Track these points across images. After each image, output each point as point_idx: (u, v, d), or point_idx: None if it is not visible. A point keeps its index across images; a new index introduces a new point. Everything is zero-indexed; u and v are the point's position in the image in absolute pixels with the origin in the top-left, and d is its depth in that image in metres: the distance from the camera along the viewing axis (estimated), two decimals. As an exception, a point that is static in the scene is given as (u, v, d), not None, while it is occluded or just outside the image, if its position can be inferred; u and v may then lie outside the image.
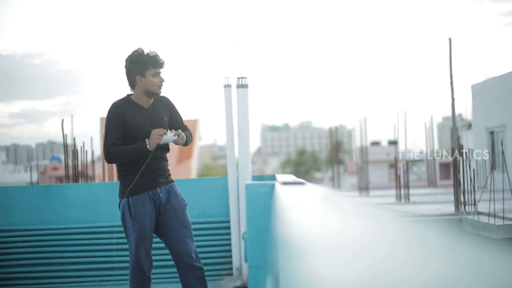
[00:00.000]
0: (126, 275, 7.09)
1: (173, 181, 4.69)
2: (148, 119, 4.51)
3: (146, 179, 4.48)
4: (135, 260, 4.51)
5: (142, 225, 4.47)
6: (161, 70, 4.55)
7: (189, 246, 4.63)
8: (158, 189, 4.53)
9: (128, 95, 4.60)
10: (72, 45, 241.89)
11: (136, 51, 4.50)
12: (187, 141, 4.65)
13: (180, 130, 4.54)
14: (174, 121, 4.71)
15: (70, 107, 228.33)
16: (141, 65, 4.46)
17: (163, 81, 4.55)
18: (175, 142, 4.51)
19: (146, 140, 4.39)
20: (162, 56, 4.55)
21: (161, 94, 4.65)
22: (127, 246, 7.18)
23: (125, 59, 4.55)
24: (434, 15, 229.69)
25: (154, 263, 7.04)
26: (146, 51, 4.49)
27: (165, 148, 4.60)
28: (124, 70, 4.55)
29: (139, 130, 4.46)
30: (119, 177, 4.59)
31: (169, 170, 4.69)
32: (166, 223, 4.59)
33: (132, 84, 4.54)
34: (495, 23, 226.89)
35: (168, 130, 4.52)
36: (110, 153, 4.41)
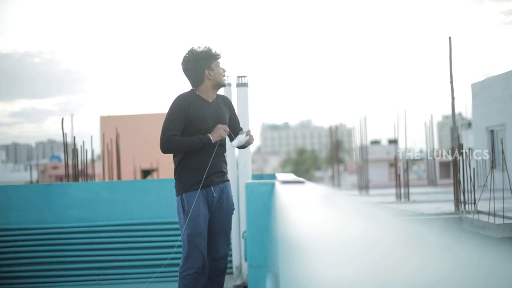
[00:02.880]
0: (126, 273, 7.12)
1: (228, 181, 4.72)
2: (212, 114, 4.58)
3: (201, 177, 4.49)
4: (188, 257, 4.45)
5: (195, 222, 4.45)
6: (219, 60, 4.67)
7: (219, 250, 4.64)
8: (212, 187, 4.55)
9: (193, 89, 4.66)
10: (73, 44, 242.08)
11: (194, 49, 4.60)
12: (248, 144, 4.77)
13: (250, 130, 4.69)
14: (232, 121, 4.78)
15: (70, 106, 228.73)
16: (206, 59, 4.58)
17: (225, 70, 4.68)
18: (247, 143, 4.61)
19: (209, 134, 4.45)
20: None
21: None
22: (127, 245, 7.22)
23: (184, 61, 4.61)
24: (434, 13, 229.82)
25: (153, 262, 7.07)
26: (201, 47, 4.62)
27: (222, 146, 4.63)
28: (187, 71, 4.62)
29: (204, 123, 4.51)
30: (175, 174, 4.61)
31: (226, 169, 4.71)
32: (209, 222, 4.60)
33: (199, 80, 4.60)
34: (495, 22, 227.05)
35: (239, 133, 4.66)
36: (169, 142, 4.42)
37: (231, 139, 4.71)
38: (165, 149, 4.46)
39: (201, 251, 4.46)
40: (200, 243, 4.46)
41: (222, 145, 4.64)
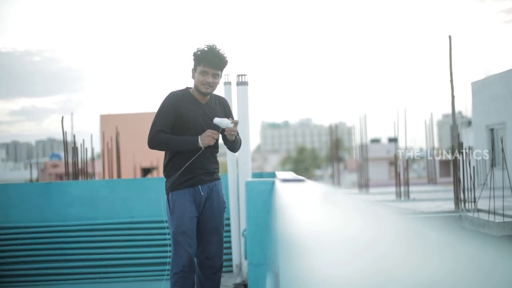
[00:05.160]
0: (126, 272, 7.12)
1: (218, 179, 4.69)
2: (202, 114, 4.54)
3: (189, 177, 4.49)
4: (174, 255, 4.49)
5: (180, 220, 4.46)
6: (213, 70, 4.49)
7: (212, 249, 4.64)
8: (200, 186, 4.53)
9: (187, 88, 4.65)
10: (73, 43, 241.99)
11: (203, 45, 4.53)
12: (236, 143, 4.64)
13: (237, 120, 4.56)
14: None
15: (70, 104, 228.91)
16: (196, 61, 4.53)
17: (208, 81, 4.49)
18: (227, 133, 4.45)
19: (199, 137, 4.38)
20: (222, 57, 4.49)
21: (216, 95, 4.72)
22: (127, 244, 7.22)
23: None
24: (434, 12, 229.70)
25: (154, 260, 7.07)
26: (208, 47, 4.50)
27: (214, 147, 4.57)
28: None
29: (192, 123, 4.47)
30: (163, 172, 4.62)
31: (216, 169, 4.67)
32: (200, 221, 4.60)
33: (192, 76, 4.61)
34: (495, 20, 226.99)
35: (227, 119, 4.51)
36: (156, 139, 4.41)
37: (224, 140, 4.66)
38: (151, 144, 4.45)
39: (186, 249, 4.46)
40: (185, 242, 4.46)
41: (213, 146, 4.55)
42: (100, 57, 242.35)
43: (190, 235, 4.50)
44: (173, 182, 4.49)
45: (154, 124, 4.46)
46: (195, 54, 4.53)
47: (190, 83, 4.69)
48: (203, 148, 4.40)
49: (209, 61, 4.47)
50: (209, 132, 4.39)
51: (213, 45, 4.53)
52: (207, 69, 4.48)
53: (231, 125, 4.44)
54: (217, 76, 4.55)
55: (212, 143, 4.41)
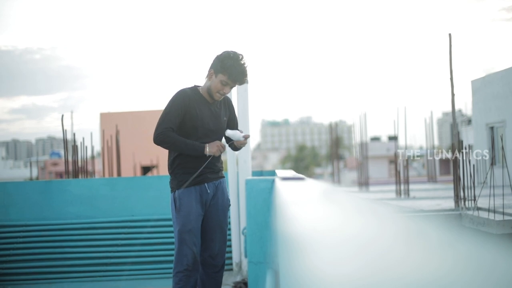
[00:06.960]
0: (126, 270, 7.13)
1: (223, 177, 4.71)
2: (210, 114, 4.54)
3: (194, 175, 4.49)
4: (178, 254, 4.47)
5: (186, 219, 4.45)
6: (234, 84, 4.50)
7: (215, 247, 4.64)
8: (206, 184, 4.54)
9: (196, 86, 4.62)
10: (73, 41, 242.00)
11: (233, 53, 4.46)
12: (240, 147, 4.75)
13: (249, 134, 4.62)
14: (230, 122, 4.74)
15: (70, 102, 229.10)
16: (220, 68, 4.44)
17: (225, 93, 4.51)
18: (237, 144, 4.56)
19: (206, 145, 4.41)
20: (246, 74, 4.49)
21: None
22: (127, 242, 7.22)
23: (222, 52, 4.52)
24: (434, 10, 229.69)
25: (154, 259, 7.08)
26: (237, 59, 4.44)
27: None
28: (213, 60, 4.53)
29: (200, 121, 4.48)
30: (169, 170, 4.62)
31: (221, 166, 4.70)
32: (205, 218, 4.60)
33: (207, 75, 4.56)
34: (496, 18, 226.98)
35: (238, 130, 4.60)
36: (164, 136, 4.39)
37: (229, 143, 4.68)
38: (158, 140, 4.43)
39: (191, 248, 4.45)
40: (191, 240, 4.46)
41: None
42: (101, 55, 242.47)
43: (196, 234, 4.49)
44: (180, 180, 4.49)
45: (163, 120, 4.43)
46: (222, 61, 4.45)
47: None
48: (207, 156, 4.44)
49: (235, 77, 4.45)
50: (218, 143, 4.45)
51: (241, 59, 4.47)
52: (229, 82, 4.47)
53: (242, 139, 4.51)
54: (233, 87, 4.59)
55: (218, 154, 4.47)
